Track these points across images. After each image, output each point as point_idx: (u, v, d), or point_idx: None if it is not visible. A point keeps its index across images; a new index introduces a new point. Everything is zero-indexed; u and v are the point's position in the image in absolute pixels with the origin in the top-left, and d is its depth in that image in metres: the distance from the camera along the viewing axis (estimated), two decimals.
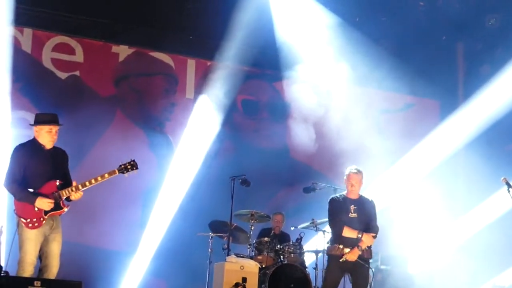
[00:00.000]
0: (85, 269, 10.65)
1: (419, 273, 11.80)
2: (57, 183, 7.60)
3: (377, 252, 11.54)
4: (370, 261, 8.93)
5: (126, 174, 7.82)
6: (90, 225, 11.35)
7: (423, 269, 12.04)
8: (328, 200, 9.05)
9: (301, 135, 12.38)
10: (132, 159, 7.85)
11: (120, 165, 7.79)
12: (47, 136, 7.70)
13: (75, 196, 7.62)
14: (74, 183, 7.64)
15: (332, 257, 8.83)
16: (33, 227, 7.45)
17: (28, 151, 7.68)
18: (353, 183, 8.85)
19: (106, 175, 7.68)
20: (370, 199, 8.96)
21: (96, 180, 7.63)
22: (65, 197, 7.61)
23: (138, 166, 7.86)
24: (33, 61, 11.80)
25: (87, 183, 7.61)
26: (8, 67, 11.06)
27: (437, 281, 11.76)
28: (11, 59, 11.11)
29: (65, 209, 7.66)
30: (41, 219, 7.49)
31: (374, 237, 8.73)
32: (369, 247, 8.76)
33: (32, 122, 7.83)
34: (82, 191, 7.63)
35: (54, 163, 7.71)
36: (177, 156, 12.21)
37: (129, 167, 7.81)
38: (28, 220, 7.47)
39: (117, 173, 7.76)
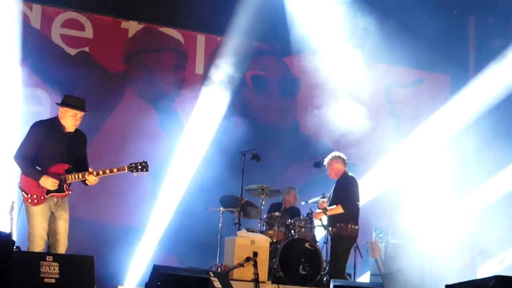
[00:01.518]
0: (96, 244, 10.70)
1: (429, 247, 11.79)
2: (66, 167, 7.63)
3: (388, 226, 11.57)
4: (377, 235, 9.63)
5: (135, 174, 7.85)
6: (101, 201, 11.38)
7: (433, 244, 12.02)
8: None
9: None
10: (144, 161, 7.88)
11: (131, 164, 7.81)
12: (70, 120, 7.71)
13: (89, 181, 7.61)
14: (90, 169, 7.65)
15: None
16: (33, 204, 7.51)
17: (46, 130, 7.71)
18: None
19: (115, 170, 7.72)
20: (345, 177, 9.97)
21: (104, 172, 7.66)
22: (70, 182, 7.61)
23: (149, 168, 7.90)
24: (43, 37, 11.77)
25: (100, 172, 7.64)
26: (18, 44, 11.04)
27: (446, 256, 11.75)
28: (20, 36, 11.10)
29: (68, 193, 7.66)
30: (42, 197, 7.54)
31: (324, 209, 9.77)
32: (338, 224, 9.69)
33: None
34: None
35: (69, 146, 7.73)
36: (187, 132, 12.20)
37: (139, 167, 7.83)
38: (29, 195, 7.52)
39: (126, 170, 7.78)
